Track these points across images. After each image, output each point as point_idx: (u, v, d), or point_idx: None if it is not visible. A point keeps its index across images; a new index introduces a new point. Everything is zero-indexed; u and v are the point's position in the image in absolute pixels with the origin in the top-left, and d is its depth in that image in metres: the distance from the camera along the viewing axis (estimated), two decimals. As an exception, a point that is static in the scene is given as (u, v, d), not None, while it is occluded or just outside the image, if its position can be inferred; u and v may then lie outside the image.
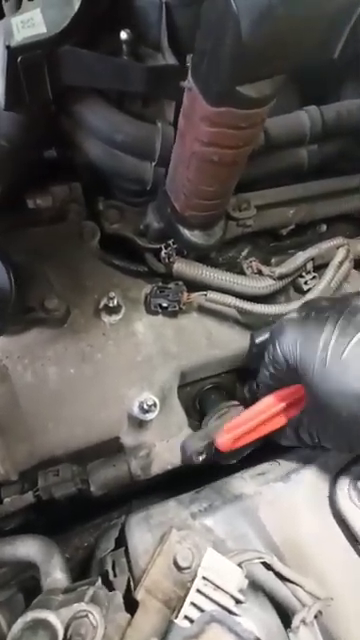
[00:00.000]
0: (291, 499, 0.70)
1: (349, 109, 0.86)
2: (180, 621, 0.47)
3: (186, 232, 0.77)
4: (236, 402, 0.87)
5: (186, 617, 0.48)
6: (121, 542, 0.76)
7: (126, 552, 0.71)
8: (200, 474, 1.00)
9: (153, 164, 0.80)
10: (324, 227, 1.01)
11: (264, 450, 0.97)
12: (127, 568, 0.69)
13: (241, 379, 0.98)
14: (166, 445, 0.86)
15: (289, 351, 0.60)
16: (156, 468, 0.85)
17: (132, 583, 0.66)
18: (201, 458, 0.78)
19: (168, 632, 0.45)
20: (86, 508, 1.03)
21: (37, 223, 0.85)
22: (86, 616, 0.50)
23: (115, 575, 0.70)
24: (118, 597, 0.63)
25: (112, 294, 0.75)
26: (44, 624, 0.49)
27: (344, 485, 0.66)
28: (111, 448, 0.86)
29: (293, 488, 0.71)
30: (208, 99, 0.51)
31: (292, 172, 0.91)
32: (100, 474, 0.83)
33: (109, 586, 0.68)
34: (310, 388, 0.58)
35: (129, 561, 0.69)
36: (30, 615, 0.49)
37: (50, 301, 0.71)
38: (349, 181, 0.95)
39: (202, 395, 0.95)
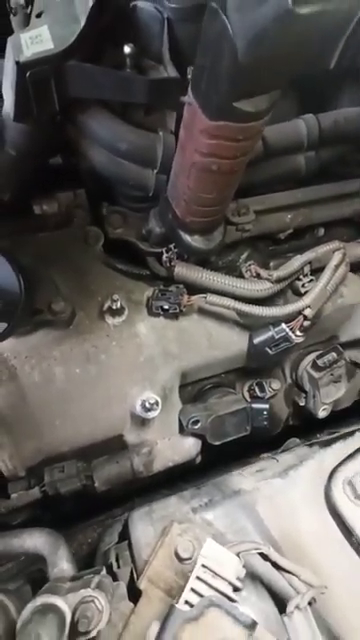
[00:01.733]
0: (288, 494, 0.73)
1: (346, 117, 0.89)
2: (181, 605, 0.50)
3: (187, 237, 0.80)
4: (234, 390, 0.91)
5: (186, 602, 0.51)
6: (124, 536, 0.78)
7: (129, 545, 0.74)
8: (202, 472, 1.03)
9: (155, 171, 0.83)
10: (322, 231, 1.04)
11: (260, 447, 1.01)
12: (130, 560, 0.72)
13: (241, 379, 1.01)
14: (168, 443, 0.89)
15: None
16: (158, 465, 0.88)
17: (135, 574, 0.68)
18: (195, 427, 0.84)
19: (169, 615, 0.48)
20: (90, 505, 1.06)
21: (43, 228, 0.88)
22: (92, 601, 0.53)
23: (119, 567, 0.74)
24: (122, 587, 0.66)
25: (116, 296, 0.78)
26: (53, 608, 0.52)
27: (339, 481, 0.68)
28: (115, 445, 0.89)
29: (290, 484, 0.74)
30: (207, 113, 0.54)
31: (290, 178, 0.93)
32: (104, 470, 0.86)
33: (113, 577, 0.71)
34: None
35: (132, 553, 0.72)
36: (39, 600, 0.51)
37: (57, 304, 0.74)
38: (346, 186, 0.98)
39: (203, 395, 0.98)
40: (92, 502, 0.96)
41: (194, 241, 0.80)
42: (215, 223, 0.79)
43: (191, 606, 0.50)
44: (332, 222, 1.02)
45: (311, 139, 0.88)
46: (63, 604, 0.52)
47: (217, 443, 0.88)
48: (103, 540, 0.81)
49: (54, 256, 0.83)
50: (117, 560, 0.75)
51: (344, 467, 0.70)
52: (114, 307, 0.78)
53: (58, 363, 0.79)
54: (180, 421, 0.88)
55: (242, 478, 0.78)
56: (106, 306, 0.81)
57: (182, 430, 0.88)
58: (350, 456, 0.71)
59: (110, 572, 0.75)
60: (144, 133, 0.80)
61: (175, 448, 0.89)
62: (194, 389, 0.96)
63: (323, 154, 0.92)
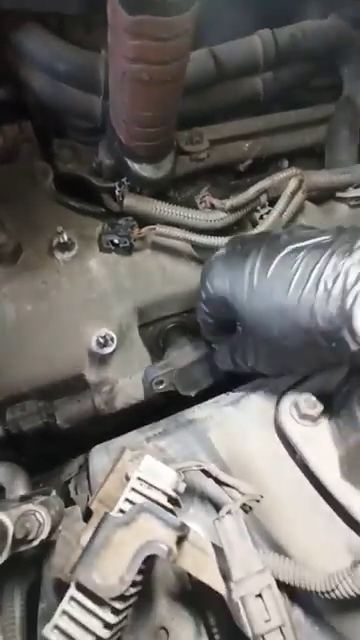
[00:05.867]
0: (239, 420, 0.74)
1: (304, 30, 0.83)
2: (115, 514, 0.52)
3: (135, 166, 0.77)
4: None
5: (120, 510, 0.52)
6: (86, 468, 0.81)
7: (87, 474, 0.76)
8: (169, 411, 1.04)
9: (100, 97, 0.79)
10: (286, 163, 1.00)
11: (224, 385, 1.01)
12: (87, 487, 0.75)
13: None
14: (129, 381, 0.89)
15: (220, 284, 0.61)
16: (120, 403, 0.89)
17: (90, 499, 0.71)
18: (160, 387, 0.81)
19: (102, 521, 0.50)
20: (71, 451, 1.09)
21: (-13, 164, 0.85)
22: (33, 514, 0.55)
23: (77, 493, 0.76)
24: (77, 510, 0.68)
25: (60, 228, 0.76)
26: (-6, 522, 0.54)
27: (286, 404, 0.69)
28: (77, 385, 0.89)
29: (241, 410, 0.75)
30: (125, 6, 0.50)
31: (248, 103, 0.88)
32: (65, 409, 0.87)
33: (72, 504, 0.73)
34: (242, 313, 0.60)
35: (89, 481, 0.74)
36: (-20, 514, 0.53)
37: (-2, 237, 0.72)
38: (308, 113, 0.93)
39: (165, 334, 0.97)
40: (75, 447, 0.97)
41: (142, 170, 0.77)
42: (162, 149, 0.75)
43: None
44: (296, 153, 0.98)
45: (267, 57, 0.83)
46: (4, 517, 0.53)
47: (193, 394, 0.84)
48: (63, 472, 0.83)
49: (-1, 192, 0.80)
50: (75, 488, 0.78)
51: (292, 391, 0.70)
52: (61, 240, 0.76)
53: (8, 300, 0.78)
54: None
55: (197, 409, 0.79)
56: (55, 242, 0.79)
57: (149, 393, 0.84)
58: (298, 381, 0.71)
59: (69, 499, 0.78)
60: (83, 52, 0.75)
61: (137, 386, 0.89)
62: (156, 329, 0.96)
63: (282, 75, 0.87)
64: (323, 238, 0.53)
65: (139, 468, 0.56)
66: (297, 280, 0.52)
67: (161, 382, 0.80)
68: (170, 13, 0.49)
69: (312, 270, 0.51)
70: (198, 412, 0.78)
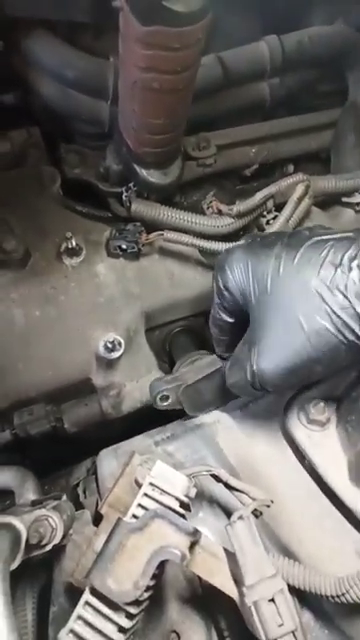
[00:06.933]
0: (247, 424, 0.74)
1: (310, 36, 0.83)
2: (128, 519, 0.52)
3: (143, 171, 0.77)
4: (205, 351, 0.83)
5: (134, 516, 0.53)
6: (93, 472, 0.81)
7: (96, 478, 0.76)
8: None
9: (108, 103, 0.79)
10: (291, 168, 1.00)
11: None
12: (96, 491, 0.75)
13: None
14: (136, 385, 0.90)
15: (240, 270, 0.58)
16: (127, 406, 0.90)
17: (100, 503, 0.71)
18: (165, 403, 0.73)
19: (115, 527, 0.50)
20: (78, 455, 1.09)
21: (-5, 169, 0.85)
22: (46, 519, 0.56)
23: (85, 497, 0.77)
24: (87, 514, 0.69)
25: (69, 234, 0.76)
26: (8, 527, 0.54)
27: (294, 409, 0.69)
28: (85, 389, 0.90)
29: (249, 415, 0.75)
30: (138, 17, 0.50)
31: (254, 108, 0.89)
32: (73, 412, 0.87)
33: (81, 507, 0.74)
34: (261, 302, 0.57)
35: (97, 485, 0.75)
36: (-6, 520, 0.54)
37: (8, 242, 0.73)
38: (313, 119, 0.93)
39: (171, 338, 0.98)
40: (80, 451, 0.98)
41: (150, 176, 0.77)
42: (170, 155, 0.76)
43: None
44: (301, 158, 0.99)
45: (274, 63, 0.83)
46: (18, 523, 0.54)
47: (199, 414, 0.76)
48: (72, 475, 0.84)
49: (7, 197, 0.80)
50: (84, 492, 0.79)
51: (300, 396, 0.71)
52: (70, 246, 0.77)
53: (17, 305, 0.78)
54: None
55: (205, 414, 0.80)
56: (63, 247, 0.79)
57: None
58: (306, 386, 0.72)
59: (78, 503, 0.79)
60: (92, 59, 0.76)
61: (143, 390, 0.90)
62: (162, 333, 0.96)
63: (288, 80, 0.87)
64: (346, 234, 0.52)
65: (151, 474, 0.56)
66: (328, 262, 0.50)
67: (167, 398, 0.72)
68: (183, 23, 0.50)
69: (344, 255, 0.50)
70: (206, 416, 0.78)
